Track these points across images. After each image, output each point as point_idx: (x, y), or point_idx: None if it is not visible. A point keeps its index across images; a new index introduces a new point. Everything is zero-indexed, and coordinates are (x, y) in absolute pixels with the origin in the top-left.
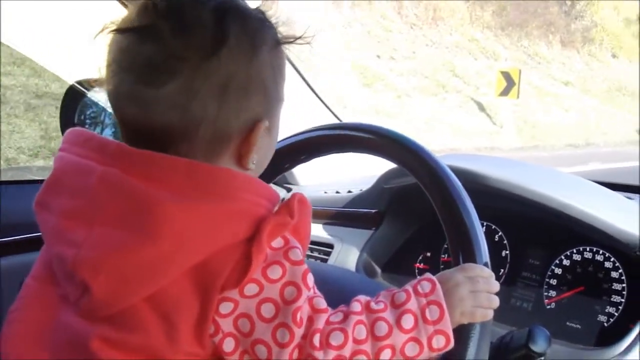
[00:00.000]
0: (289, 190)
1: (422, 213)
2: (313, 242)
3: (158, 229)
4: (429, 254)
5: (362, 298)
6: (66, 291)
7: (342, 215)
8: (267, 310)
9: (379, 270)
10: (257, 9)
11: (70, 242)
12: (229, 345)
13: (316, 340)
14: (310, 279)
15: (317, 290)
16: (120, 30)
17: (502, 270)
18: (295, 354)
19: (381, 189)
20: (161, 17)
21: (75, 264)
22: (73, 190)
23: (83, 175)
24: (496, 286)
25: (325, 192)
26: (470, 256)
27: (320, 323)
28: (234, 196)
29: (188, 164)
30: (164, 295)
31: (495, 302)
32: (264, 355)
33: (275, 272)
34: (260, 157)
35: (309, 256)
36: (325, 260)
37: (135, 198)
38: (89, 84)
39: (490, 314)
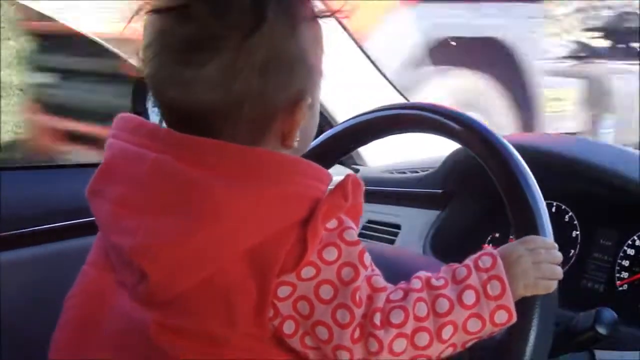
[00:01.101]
0: (356, 170)
1: (490, 193)
2: (379, 223)
3: (212, 213)
4: (497, 235)
5: (423, 274)
6: (123, 277)
7: (408, 196)
8: (326, 291)
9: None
10: None
11: (126, 230)
12: (289, 327)
13: (377, 319)
14: (367, 258)
15: (375, 269)
16: (157, 11)
17: (573, 251)
18: (357, 334)
19: (448, 169)
20: None
21: (132, 251)
22: (126, 178)
23: (135, 163)
24: (559, 257)
25: (392, 173)
26: (533, 229)
27: (380, 302)
28: (286, 179)
29: (238, 149)
30: (222, 280)
31: (558, 273)
32: (325, 336)
33: (331, 254)
34: (303, 135)
35: (375, 237)
36: (392, 242)
37: (188, 184)
38: None
39: (553, 285)
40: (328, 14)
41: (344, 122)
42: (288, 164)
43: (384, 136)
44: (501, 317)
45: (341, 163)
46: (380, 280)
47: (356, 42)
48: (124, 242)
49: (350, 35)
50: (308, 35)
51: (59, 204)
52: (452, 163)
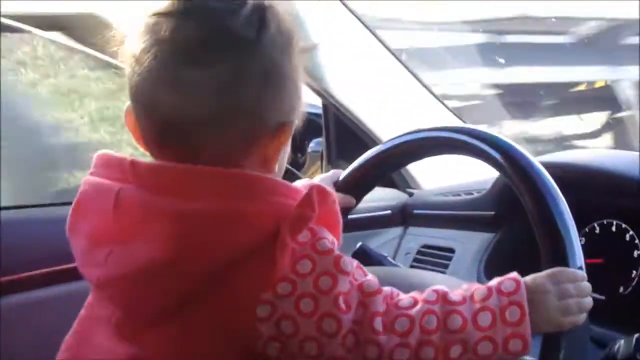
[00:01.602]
0: (410, 194)
1: None
2: (434, 247)
3: (174, 239)
4: None
5: (440, 288)
6: (101, 312)
7: (461, 219)
8: (307, 305)
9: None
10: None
11: (95, 262)
12: (272, 350)
13: (377, 324)
14: (347, 263)
15: (367, 274)
16: (163, 14)
17: (634, 272)
18: (350, 341)
19: (498, 191)
20: None
21: (100, 282)
22: (95, 211)
23: (104, 196)
24: (587, 289)
25: (446, 196)
26: (562, 260)
27: (377, 306)
28: (251, 198)
29: (204, 170)
30: (195, 304)
31: (587, 305)
32: (314, 351)
33: (305, 266)
34: (281, 162)
35: (429, 262)
36: (445, 266)
37: (151, 213)
38: None
39: (580, 320)
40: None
41: (387, 141)
42: (254, 183)
43: (419, 159)
44: (516, 345)
45: (395, 186)
46: (372, 284)
47: (399, 59)
48: (95, 274)
49: (392, 53)
50: (298, 57)
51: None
52: (502, 184)
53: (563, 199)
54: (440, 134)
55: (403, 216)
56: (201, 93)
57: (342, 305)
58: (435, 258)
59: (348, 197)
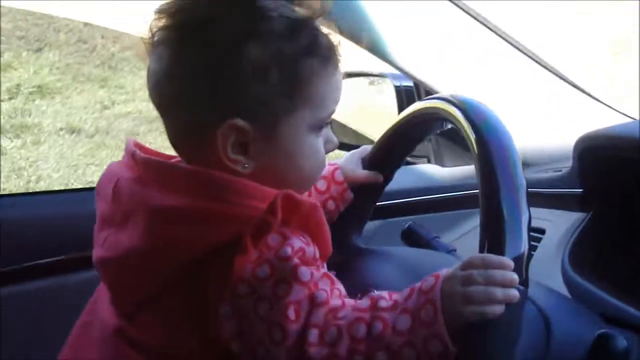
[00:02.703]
0: None
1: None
2: None
3: (151, 229)
4: None
5: (379, 293)
6: (106, 291)
7: (553, 197)
8: (262, 308)
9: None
10: None
11: (98, 243)
12: (236, 346)
13: (311, 336)
14: (304, 273)
15: (333, 282)
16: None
17: None
18: (295, 352)
19: (586, 165)
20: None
21: (97, 262)
22: (104, 197)
23: (110, 182)
24: (499, 277)
25: (546, 172)
26: (496, 247)
27: (317, 317)
28: (221, 198)
29: (185, 169)
30: (169, 296)
31: (496, 295)
32: (263, 355)
33: (264, 271)
34: (263, 165)
35: None
36: (534, 248)
37: (133, 201)
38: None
39: (487, 312)
40: None
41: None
42: (224, 184)
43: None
44: (436, 347)
45: None
46: (322, 295)
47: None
48: (96, 256)
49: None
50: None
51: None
52: (589, 156)
53: (517, 177)
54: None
55: None
56: (150, 83)
57: (291, 315)
58: None
59: (374, 174)
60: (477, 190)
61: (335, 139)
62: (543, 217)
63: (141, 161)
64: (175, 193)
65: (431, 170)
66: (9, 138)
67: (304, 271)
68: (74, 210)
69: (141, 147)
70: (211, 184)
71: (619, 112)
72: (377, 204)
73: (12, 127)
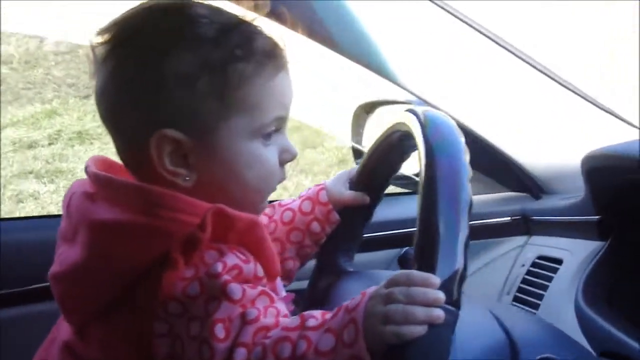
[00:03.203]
0: (538, 197)
1: None
2: (544, 258)
3: (90, 242)
4: None
5: (318, 312)
6: None
7: (573, 226)
8: (194, 327)
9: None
10: None
11: (55, 260)
12: None
13: (238, 354)
14: (234, 291)
15: (272, 300)
16: None
17: None
18: None
19: (599, 191)
20: None
21: (50, 278)
22: (63, 213)
23: (66, 199)
24: (422, 295)
25: (568, 199)
26: (426, 264)
27: (246, 336)
28: (150, 212)
29: (121, 183)
30: (112, 312)
31: (416, 315)
32: None
33: (194, 289)
34: (205, 177)
35: (539, 275)
36: (549, 279)
37: (79, 214)
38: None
39: (405, 333)
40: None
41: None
42: (152, 196)
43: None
44: None
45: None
46: (252, 313)
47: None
48: (51, 269)
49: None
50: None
51: None
52: (596, 178)
53: (459, 191)
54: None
55: (525, 224)
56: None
57: (219, 334)
58: (543, 270)
59: (360, 195)
60: (487, 220)
61: (293, 149)
62: (561, 246)
63: (91, 176)
64: (117, 207)
65: None
66: (44, 183)
67: (235, 288)
68: None
69: (101, 162)
70: (146, 198)
71: (626, 121)
72: (380, 233)
73: (47, 172)
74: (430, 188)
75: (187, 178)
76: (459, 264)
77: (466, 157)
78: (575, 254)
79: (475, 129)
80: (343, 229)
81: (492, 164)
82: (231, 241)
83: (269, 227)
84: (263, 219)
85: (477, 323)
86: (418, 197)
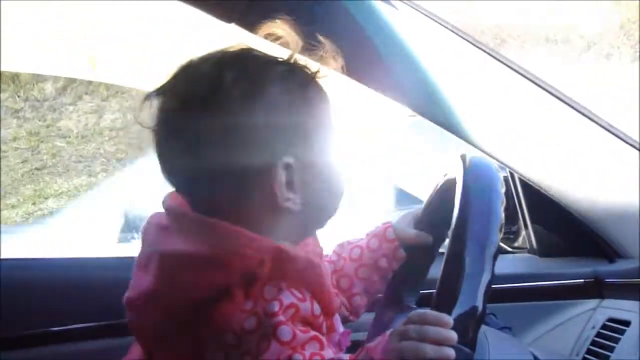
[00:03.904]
0: (611, 261)
1: None
2: (614, 320)
3: (160, 271)
4: None
5: (346, 355)
6: None
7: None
8: None
9: None
10: None
11: (130, 286)
12: None
13: None
14: (285, 333)
15: (310, 346)
16: None
17: None
18: None
19: None
20: None
21: (125, 304)
22: (142, 241)
23: (144, 229)
24: (433, 334)
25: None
26: (444, 304)
27: None
28: (215, 245)
29: (186, 214)
30: (179, 336)
31: (426, 352)
32: None
33: (250, 323)
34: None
35: (608, 337)
36: (617, 340)
37: (152, 245)
38: None
39: None
40: None
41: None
42: (223, 232)
43: None
44: None
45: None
46: (298, 357)
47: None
48: (126, 294)
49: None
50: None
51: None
52: None
53: (489, 234)
54: None
55: (598, 287)
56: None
57: None
58: (611, 332)
59: (424, 234)
60: (561, 282)
61: None
62: (630, 308)
63: (167, 209)
64: (186, 239)
65: (525, 260)
66: None
67: (286, 330)
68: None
69: (174, 197)
70: (213, 232)
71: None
72: None
73: None
74: (460, 229)
75: (297, 201)
76: (477, 305)
77: (501, 204)
78: None
79: (554, 192)
80: (408, 267)
81: (567, 225)
82: (290, 278)
83: (338, 263)
84: (332, 256)
85: (515, 353)
86: (449, 239)
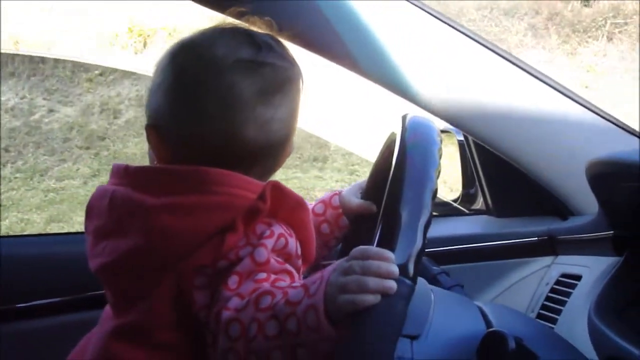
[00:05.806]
0: (564, 219)
1: None
2: (565, 275)
3: (149, 229)
4: None
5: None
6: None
7: (591, 243)
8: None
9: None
10: None
11: (96, 254)
12: (202, 314)
13: (232, 303)
14: (261, 254)
15: (279, 273)
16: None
17: None
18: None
19: (610, 207)
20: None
21: (99, 269)
22: (97, 212)
23: (102, 198)
24: (375, 268)
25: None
26: (385, 240)
27: (246, 289)
28: (209, 190)
29: (177, 169)
30: (161, 287)
31: (369, 285)
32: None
33: (245, 251)
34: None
35: (561, 292)
36: (568, 295)
37: (129, 206)
38: None
39: (360, 301)
40: None
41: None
42: (208, 176)
43: None
44: (310, 316)
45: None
46: (261, 276)
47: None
48: (96, 264)
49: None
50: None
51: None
52: (606, 191)
53: (426, 176)
54: None
55: (552, 244)
56: (274, 128)
57: (232, 284)
58: (564, 287)
59: (368, 204)
60: (515, 241)
61: None
62: (582, 263)
63: (134, 171)
64: (168, 193)
65: (482, 220)
66: None
67: (262, 252)
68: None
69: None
70: (198, 178)
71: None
72: None
73: None
74: (398, 178)
75: None
76: (418, 242)
77: (438, 154)
78: (594, 270)
79: (508, 153)
80: (352, 236)
81: (522, 186)
82: (279, 217)
83: None
84: None
85: (461, 310)
86: (388, 182)
